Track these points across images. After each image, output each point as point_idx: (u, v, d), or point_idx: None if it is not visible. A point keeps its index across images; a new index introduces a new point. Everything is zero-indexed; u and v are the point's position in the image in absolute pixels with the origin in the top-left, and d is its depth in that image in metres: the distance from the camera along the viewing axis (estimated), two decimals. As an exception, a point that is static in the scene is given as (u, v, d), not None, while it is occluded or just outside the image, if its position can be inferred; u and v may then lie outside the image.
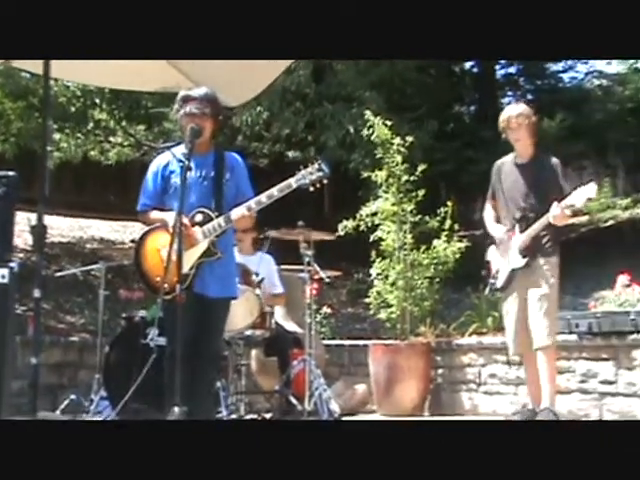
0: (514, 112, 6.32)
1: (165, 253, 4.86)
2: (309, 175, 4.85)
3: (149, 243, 5.11)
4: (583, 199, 5.85)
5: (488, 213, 6.63)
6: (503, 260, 6.35)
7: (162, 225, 5.04)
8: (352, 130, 12.52)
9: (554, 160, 6.28)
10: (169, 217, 4.90)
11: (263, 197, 4.87)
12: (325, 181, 4.89)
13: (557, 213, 5.92)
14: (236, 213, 4.91)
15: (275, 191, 4.85)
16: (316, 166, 4.86)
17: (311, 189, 4.89)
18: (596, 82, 16.40)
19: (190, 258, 4.80)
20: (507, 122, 6.31)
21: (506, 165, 6.49)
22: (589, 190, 5.85)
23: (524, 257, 6.17)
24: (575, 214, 6.10)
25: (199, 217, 4.94)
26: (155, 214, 5.14)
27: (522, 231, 6.20)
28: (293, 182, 4.86)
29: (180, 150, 5.11)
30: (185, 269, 4.57)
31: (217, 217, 4.93)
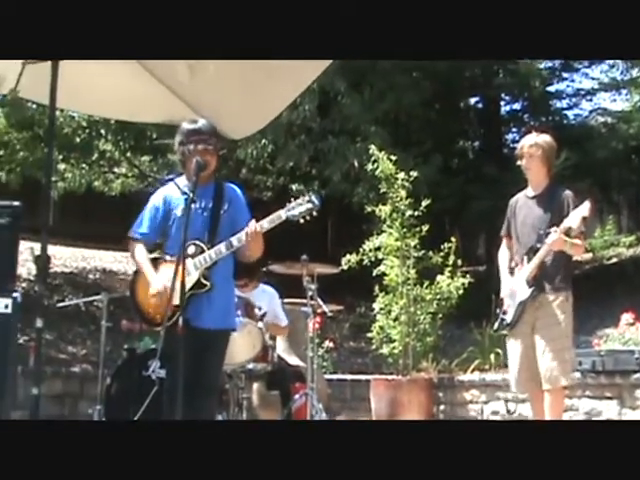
0: (528, 142, 6.17)
1: (154, 287, 4.91)
2: (299, 206, 4.81)
3: (142, 277, 5.12)
4: (578, 219, 5.68)
5: (502, 252, 6.42)
6: (513, 295, 6.17)
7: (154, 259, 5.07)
8: (356, 164, 12.55)
9: (566, 192, 6.10)
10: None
11: (259, 226, 4.86)
12: (315, 213, 4.83)
13: (554, 237, 5.78)
14: (228, 246, 4.93)
15: (265, 223, 4.85)
16: (306, 198, 4.82)
17: (301, 221, 4.84)
18: (600, 119, 16.40)
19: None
20: (520, 150, 6.20)
21: (520, 199, 6.35)
22: (583, 209, 5.72)
23: (530, 287, 5.96)
24: (576, 237, 5.92)
25: (192, 249, 4.90)
26: (143, 259, 5.13)
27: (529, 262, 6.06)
28: (282, 213, 4.84)
29: (182, 182, 5.13)
30: (176, 301, 4.54)
31: (209, 249, 4.93)
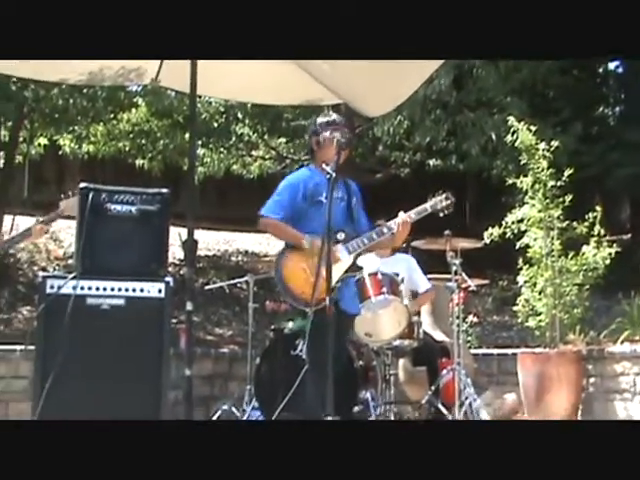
0: None
1: (306, 267, 5.03)
2: (440, 202, 5.53)
3: (291, 258, 5.23)
4: None
5: None
6: None
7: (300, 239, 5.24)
8: (494, 137, 12.38)
9: None
10: (309, 238, 5.14)
11: (408, 217, 5.36)
12: (451, 209, 5.55)
13: None
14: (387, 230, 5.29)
15: (413, 214, 5.38)
16: (445, 195, 5.55)
17: (440, 215, 5.51)
18: None
19: (335, 273, 4.85)
20: None
21: None
22: None
23: None
24: None
25: (341, 235, 5.20)
26: (288, 228, 5.26)
27: None
28: (428, 207, 5.50)
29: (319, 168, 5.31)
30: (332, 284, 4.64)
31: (355, 237, 5.23)
